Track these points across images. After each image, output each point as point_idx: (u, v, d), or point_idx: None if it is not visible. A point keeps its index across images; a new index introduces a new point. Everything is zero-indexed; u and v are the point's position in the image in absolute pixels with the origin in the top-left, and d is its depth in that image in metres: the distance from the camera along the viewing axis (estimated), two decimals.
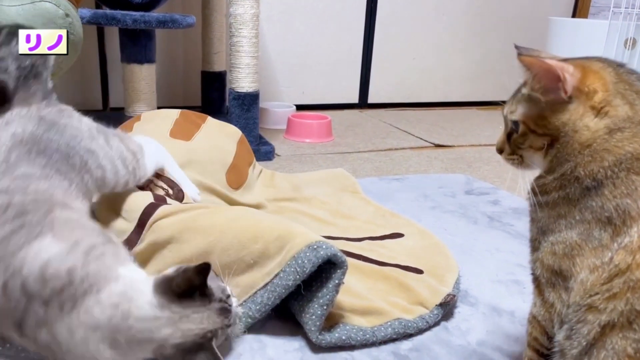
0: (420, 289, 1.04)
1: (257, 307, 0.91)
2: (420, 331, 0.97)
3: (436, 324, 0.99)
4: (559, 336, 0.68)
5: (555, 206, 0.68)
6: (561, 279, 0.68)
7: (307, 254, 0.88)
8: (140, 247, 0.99)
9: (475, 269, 1.21)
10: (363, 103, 3.09)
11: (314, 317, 0.89)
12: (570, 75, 0.65)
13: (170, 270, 0.76)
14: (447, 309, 1.02)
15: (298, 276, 0.88)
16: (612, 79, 0.66)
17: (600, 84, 0.65)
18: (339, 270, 0.89)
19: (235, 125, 1.62)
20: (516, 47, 0.75)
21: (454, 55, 3.20)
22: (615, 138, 0.64)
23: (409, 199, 1.63)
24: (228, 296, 0.80)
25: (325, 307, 0.88)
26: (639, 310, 0.59)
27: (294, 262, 0.88)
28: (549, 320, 0.71)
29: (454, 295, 1.04)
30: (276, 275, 0.90)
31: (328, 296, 0.88)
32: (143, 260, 1.00)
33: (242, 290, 0.92)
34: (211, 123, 1.45)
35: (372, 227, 1.36)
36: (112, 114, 2.43)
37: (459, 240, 1.35)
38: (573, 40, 2.59)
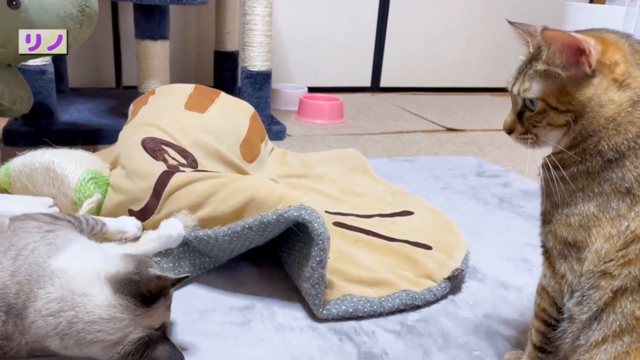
0: (428, 263, 1.05)
1: (223, 233, 0.94)
2: (428, 303, 0.98)
3: (444, 297, 1.00)
4: (569, 303, 0.68)
5: (573, 180, 0.68)
6: (574, 250, 0.68)
7: (272, 212, 0.91)
8: (158, 216, 1.01)
9: (484, 247, 1.22)
10: (375, 87, 3.08)
11: (310, 297, 0.91)
12: (593, 49, 0.63)
13: (128, 267, 0.74)
14: (454, 282, 1.03)
15: (256, 222, 0.91)
16: (629, 49, 0.65)
17: (620, 55, 0.64)
18: (316, 248, 0.89)
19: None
20: (509, 22, 0.74)
21: (467, 41, 3.17)
22: (638, 110, 0.64)
23: (419, 180, 1.63)
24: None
25: (317, 286, 0.90)
26: None
27: (264, 215, 0.92)
28: (558, 291, 0.71)
29: (462, 270, 1.05)
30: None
31: (315, 275, 0.89)
32: None
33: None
34: (224, 98, 1.46)
35: (382, 204, 1.36)
36: (125, 92, 2.44)
37: (469, 220, 1.35)
38: (589, 26, 2.55)
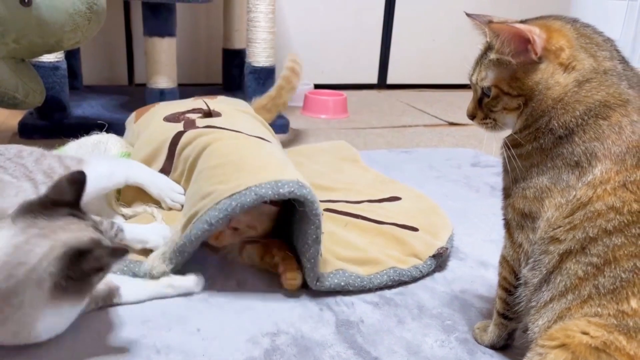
0: (415, 243, 1.10)
1: (216, 214, 0.91)
2: (414, 280, 1.03)
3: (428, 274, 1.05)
4: (525, 270, 0.74)
5: (529, 157, 0.74)
6: (530, 220, 0.74)
7: (271, 184, 0.91)
8: (174, 175, 1.14)
9: (469, 230, 1.27)
10: (382, 84, 3.13)
11: (306, 269, 0.96)
12: (537, 37, 0.69)
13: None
14: (440, 260, 1.08)
15: (255, 195, 0.90)
16: (574, 34, 0.71)
17: (565, 41, 0.70)
18: (312, 226, 0.93)
19: (252, 99, 1.72)
20: (467, 14, 0.80)
21: (474, 37, 3.20)
22: (584, 89, 0.69)
23: (415, 169, 1.68)
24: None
25: (312, 261, 0.95)
26: (592, 236, 0.65)
27: (260, 186, 0.92)
28: (516, 259, 0.76)
29: (447, 248, 1.10)
30: (243, 191, 0.92)
31: (311, 251, 0.94)
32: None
33: (210, 200, 0.95)
34: (222, 98, 1.53)
35: (371, 191, 1.41)
36: (137, 89, 2.53)
37: (458, 205, 1.40)
38: (592, 20, 2.58)
